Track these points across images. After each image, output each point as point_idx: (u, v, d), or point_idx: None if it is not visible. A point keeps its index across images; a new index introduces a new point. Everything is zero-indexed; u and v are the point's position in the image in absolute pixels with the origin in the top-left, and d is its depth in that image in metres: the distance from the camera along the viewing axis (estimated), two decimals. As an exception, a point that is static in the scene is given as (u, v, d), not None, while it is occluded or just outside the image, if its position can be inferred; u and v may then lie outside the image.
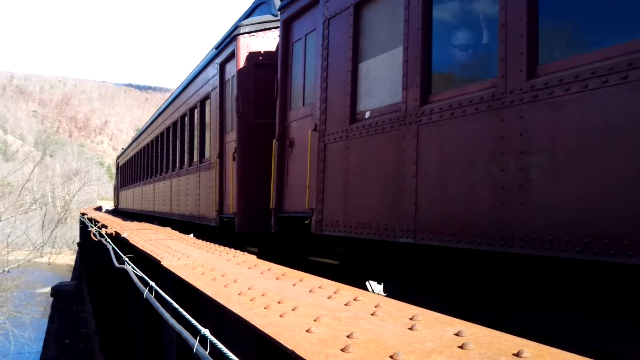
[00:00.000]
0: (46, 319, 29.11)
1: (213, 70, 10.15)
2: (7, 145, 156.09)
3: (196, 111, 11.84)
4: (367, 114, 5.40)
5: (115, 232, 9.74)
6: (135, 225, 13.46)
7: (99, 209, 42.51)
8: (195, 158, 11.83)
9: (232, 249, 6.33)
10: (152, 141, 18.74)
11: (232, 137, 8.82)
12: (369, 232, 5.22)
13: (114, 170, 59.95)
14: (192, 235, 10.73)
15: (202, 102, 11.32)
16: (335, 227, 5.77)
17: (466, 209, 4.08)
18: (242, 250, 8.32)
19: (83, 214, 24.51)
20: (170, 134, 14.96)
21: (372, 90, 5.54)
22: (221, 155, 9.35)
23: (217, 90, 9.69)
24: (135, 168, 24.01)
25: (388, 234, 4.93)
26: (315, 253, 7.60)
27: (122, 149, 36.19)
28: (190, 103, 12.35)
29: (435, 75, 4.69)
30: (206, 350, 2.41)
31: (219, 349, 2.32)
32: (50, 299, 28.77)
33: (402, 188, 4.75)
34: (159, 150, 16.96)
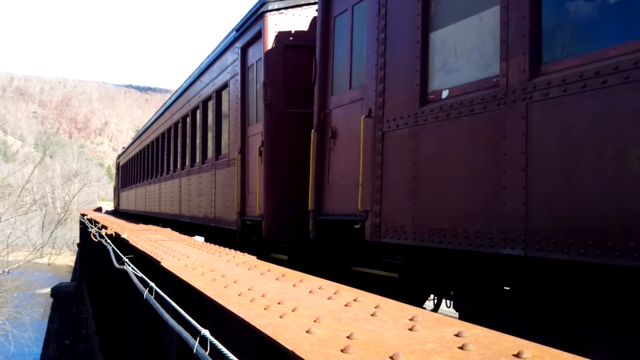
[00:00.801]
0: (46, 320, 29.11)
1: (232, 55, 9.13)
2: (7, 146, 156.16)
3: (211, 103, 10.80)
4: (445, 94, 4.49)
5: (115, 232, 9.74)
6: (135, 226, 13.46)
7: (99, 209, 42.54)
8: (210, 154, 10.82)
9: (232, 250, 6.31)
10: (157, 138, 17.72)
11: (257, 129, 7.92)
12: (452, 241, 4.21)
13: (114, 171, 59.96)
14: (202, 239, 10.19)
15: (219, 93, 10.28)
16: (400, 233, 4.79)
17: (613, 209, 3.11)
18: (268, 258, 7.83)
19: (83, 215, 24.50)
20: (179, 130, 13.87)
21: (450, 64, 4.56)
22: (243, 150, 8.39)
23: (238, 77, 8.69)
24: (138, 167, 22.82)
25: (483, 244, 3.94)
26: (360, 262, 6.63)
27: (123, 148, 34.93)
28: (203, 94, 11.29)
29: (550, 39, 3.69)
30: (206, 351, 2.41)
31: (219, 350, 2.32)
32: (50, 300, 28.77)
33: (503, 185, 3.80)
34: (166, 148, 15.86)
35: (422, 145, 4.62)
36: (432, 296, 6.01)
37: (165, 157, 15.96)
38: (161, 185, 16.39)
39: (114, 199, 37.26)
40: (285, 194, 7.35)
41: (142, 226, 13.25)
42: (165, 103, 17.30)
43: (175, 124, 14.45)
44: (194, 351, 2.48)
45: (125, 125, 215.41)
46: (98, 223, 13.81)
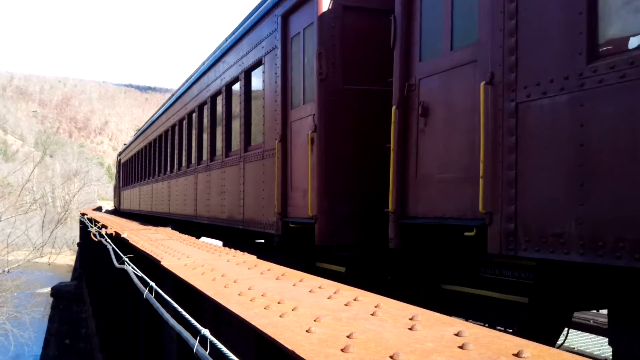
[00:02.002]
0: (46, 320, 29.14)
1: (269, 26, 7.74)
2: (7, 146, 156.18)
3: (237, 86, 9.33)
4: (636, 42, 3.25)
5: (115, 232, 9.75)
6: (135, 225, 13.46)
7: (99, 209, 42.56)
8: (236, 146, 9.39)
9: (232, 249, 6.31)
10: (166, 131, 16.09)
11: (304, 111, 6.63)
12: None
13: (114, 170, 59.98)
14: (220, 243, 9.19)
15: (248, 74, 8.83)
16: (553, 245, 3.52)
17: None
18: (313, 269, 6.69)
19: (83, 214, 24.50)
20: (195, 120, 12.27)
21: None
22: (284, 138, 7.04)
23: (277, 52, 7.33)
24: (143, 164, 21.08)
25: None
26: (452, 278, 5.45)
27: (125, 144, 32.95)
28: (227, 77, 9.83)
29: None
30: (206, 350, 2.41)
31: (219, 349, 2.32)
32: (50, 299, 28.80)
33: None
34: (178, 141, 14.27)
35: (593, 119, 3.33)
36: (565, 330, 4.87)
37: (177, 151, 14.37)
38: (171, 183, 14.80)
39: (114, 198, 37.14)
40: (345, 190, 6.09)
41: (142, 225, 13.25)
42: (175, 93, 15.76)
43: (189, 115, 12.91)
44: (194, 350, 2.48)
45: (125, 125, 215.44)
46: (98, 222, 13.82)
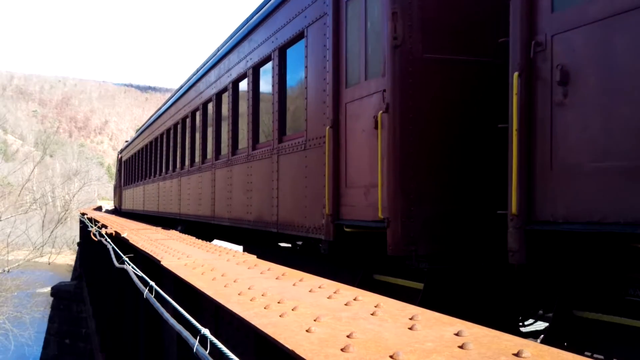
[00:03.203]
0: (46, 319, 29.16)
1: None
2: (7, 145, 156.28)
3: (268, 67, 8.03)
4: None
5: (115, 232, 9.75)
6: (135, 225, 13.46)
7: (99, 209, 42.53)
8: (265, 137, 8.22)
9: (232, 249, 6.29)
10: (175, 125, 14.84)
11: (366, 89, 5.39)
12: None
13: (114, 170, 59.96)
14: (241, 251, 8.08)
15: (283, 51, 7.56)
16: None
17: None
18: (370, 284, 5.81)
19: (83, 214, 24.49)
20: (212, 111, 11.00)
21: None
22: (336, 124, 5.83)
23: (327, 19, 6.12)
24: (147, 161, 19.77)
25: None
26: (588, 303, 4.37)
27: (126, 141, 31.57)
28: (255, 58, 8.50)
29: None
30: (206, 350, 2.41)
31: (219, 349, 2.32)
32: (50, 299, 28.82)
33: None
34: (189, 135, 12.96)
35: None
36: None
37: (189, 146, 13.05)
38: (182, 181, 13.44)
39: (114, 197, 37.06)
40: (427, 185, 4.87)
41: (142, 225, 13.25)
42: (186, 82, 14.21)
43: (204, 105, 11.68)
44: (194, 350, 2.48)
45: (125, 124, 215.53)
46: (98, 222, 13.82)
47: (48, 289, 31.25)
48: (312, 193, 6.36)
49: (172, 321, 3.17)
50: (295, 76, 7.34)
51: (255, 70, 8.63)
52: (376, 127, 4.98)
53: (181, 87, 14.78)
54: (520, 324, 5.09)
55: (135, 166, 23.22)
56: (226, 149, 9.95)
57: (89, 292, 20.08)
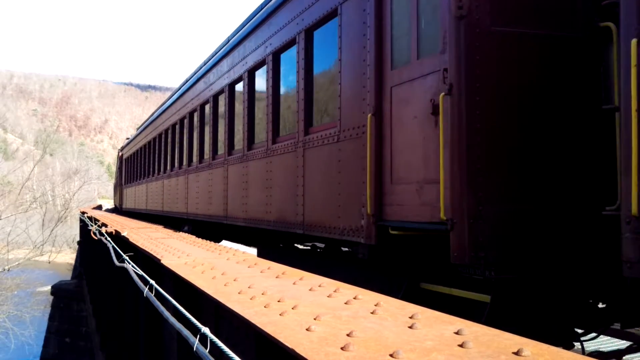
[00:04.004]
0: (46, 318, 29.19)
1: None
2: (7, 144, 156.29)
3: (291, 52, 7.37)
4: None
5: (115, 230, 9.75)
6: (135, 224, 13.47)
7: (99, 207, 42.54)
8: (287, 129, 7.53)
9: (232, 248, 6.28)
10: (181, 120, 14.11)
11: (418, 69, 4.71)
12: None
13: (114, 168, 59.92)
14: (253, 252, 7.63)
15: (310, 33, 6.87)
16: None
17: None
18: (416, 295, 5.17)
19: (83, 213, 24.49)
20: (224, 103, 10.35)
21: None
22: (379, 110, 5.15)
23: None
24: (150, 158, 18.94)
25: None
26: None
27: (128, 138, 30.29)
28: (275, 43, 7.81)
29: None
30: (206, 348, 2.41)
31: (219, 348, 2.33)
32: (51, 298, 28.85)
33: None
34: (198, 130, 12.25)
35: None
36: None
37: (197, 141, 12.31)
38: (189, 178, 12.83)
39: (114, 196, 36.98)
40: (498, 181, 4.18)
41: (142, 224, 13.25)
42: (193, 75, 13.40)
43: (215, 97, 11.04)
44: (194, 349, 2.49)
45: (125, 123, 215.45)
46: (98, 221, 13.82)
47: (48, 288, 31.28)
48: (347, 190, 5.64)
49: (172, 320, 3.18)
50: (324, 60, 6.65)
51: (276, 57, 7.89)
52: (434, 113, 4.31)
53: (186, 80, 14.10)
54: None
55: (138, 163, 22.33)
56: (240, 144, 9.29)
57: (89, 291, 20.10)
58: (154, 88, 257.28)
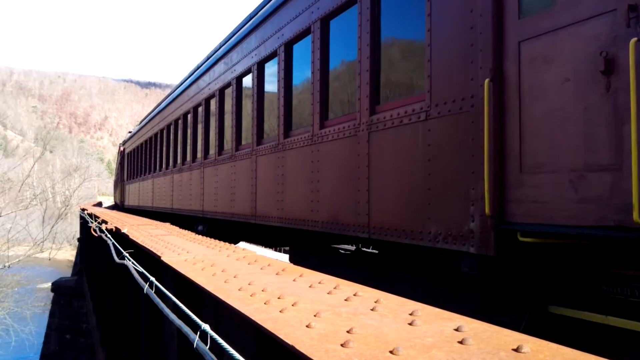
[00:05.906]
0: (47, 314, 29.24)
1: None
2: (7, 141, 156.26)
3: (353, 10, 5.91)
4: None
5: (116, 227, 9.75)
6: (135, 220, 13.47)
7: (99, 204, 42.56)
8: (341, 111, 6.30)
9: (232, 245, 6.29)
10: (194, 108, 12.67)
11: (571, 13, 3.49)
12: None
13: (114, 165, 59.90)
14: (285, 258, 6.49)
15: None
16: None
17: None
18: (546, 325, 3.94)
19: (83, 210, 24.50)
20: (253, 84, 8.89)
21: None
22: (498, 75, 3.95)
23: None
24: (157, 152, 17.55)
25: None
26: None
27: (130, 132, 28.58)
28: (323, 7, 6.51)
29: None
30: (206, 345, 2.42)
31: (219, 344, 2.33)
32: (51, 294, 28.88)
33: None
34: (217, 119, 10.86)
35: None
36: None
37: (215, 131, 10.95)
38: (205, 172, 11.47)
39: (114, 193, 36.96)
40: None
41: (142, 220, 13.26)
42: (207, 58, 11.95)
43: (238, 79, 9.62)
44: (195, 346, 2.49)
45: (125, 120, 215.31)
46: (98, 218, 13.82)
47: (49, 285, 31.33)
48: (442, 183, 4.43)
49: (173, 316, 3.18)
50: (399, 21, 5.28)
51: (324, 23, 6.49)
52: (606, 71, 3.20)
53: (202, 63, 12.41)
54: None
55: (143, 157, 20.56)
56: (273, 131, 8.01)
57: (90, 288, 20.11)
58: (154, 85, 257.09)
